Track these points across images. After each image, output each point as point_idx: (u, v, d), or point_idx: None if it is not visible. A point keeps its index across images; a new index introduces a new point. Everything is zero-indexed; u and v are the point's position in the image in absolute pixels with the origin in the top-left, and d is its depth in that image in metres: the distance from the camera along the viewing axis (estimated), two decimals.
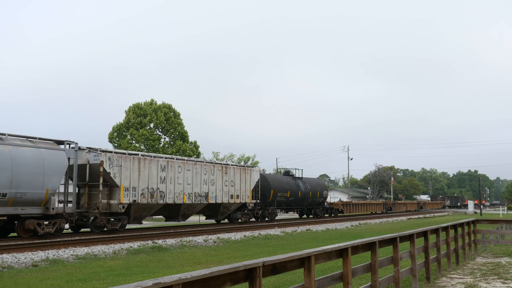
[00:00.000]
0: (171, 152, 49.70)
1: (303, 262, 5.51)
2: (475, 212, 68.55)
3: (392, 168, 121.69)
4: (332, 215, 44.04)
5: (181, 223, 29.79)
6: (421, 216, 51.89)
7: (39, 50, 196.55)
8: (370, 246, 7.53)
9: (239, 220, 30.64)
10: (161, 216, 28.35)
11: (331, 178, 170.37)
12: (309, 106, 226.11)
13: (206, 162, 27.92)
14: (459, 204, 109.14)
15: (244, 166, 31.42)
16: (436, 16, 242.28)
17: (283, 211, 42.57)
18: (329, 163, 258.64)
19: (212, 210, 28.83)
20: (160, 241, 19.00)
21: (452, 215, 60.52)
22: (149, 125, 50.88)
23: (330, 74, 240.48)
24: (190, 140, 53.21)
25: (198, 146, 54.04)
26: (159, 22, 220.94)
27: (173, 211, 25.95)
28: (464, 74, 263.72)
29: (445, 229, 12.49)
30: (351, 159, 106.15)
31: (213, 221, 33.30)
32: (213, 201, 27.51)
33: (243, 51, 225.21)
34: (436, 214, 60.17)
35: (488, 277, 10.97)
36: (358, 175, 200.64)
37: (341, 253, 6.52)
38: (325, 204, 43.29)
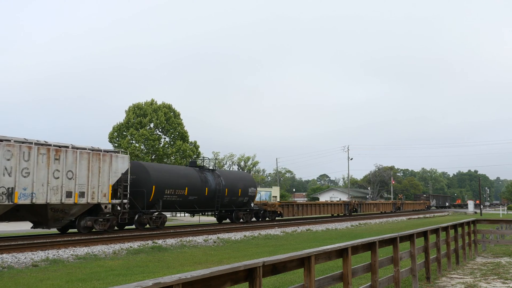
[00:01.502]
0: (171, 152, 49.70)
1: (303, 262, 5.51)
2: (475, 212, 68.60)
3: (392, 168, 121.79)
4: (267, 219, 34.33)
5: (182, 222, 28.36)
6: (421, 216, 51.91)
7: (39, 50, 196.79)
8: (370, 246, 7.53)
9: (93, 229, 21.61)
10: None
11: (331, 178, 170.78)
12: (309, 106, 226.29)
13: (14, 141, 18.37)
14: (447, 204, 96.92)
15: (98, 151, 21.65)
16: (436, 16, 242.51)
17: (191, 215, 32.33)
18: (329, 163, 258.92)
19: (34, 214, 19.89)
20: (160, 241, 19.01)
21: (452, 215, 60.56)
22: (149, 125, 50.87)
23: (330, 74, 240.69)
24: (190, 140, 53.21)
25: (198, 146, 54.04)
26: (159, 22, 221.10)
27: None
28: (464, 74, 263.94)
29: (445, 229, 12.49)
30: (351, 159, 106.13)
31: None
32: (27, 201, 18.27)
33: (243, 51, 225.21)
34: (436, 214, 60.18)
35: (488, 277, 10.97)
36: (358, 175, 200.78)
37: (341, 253, 6.52)
38: (252, 205, 32.93)
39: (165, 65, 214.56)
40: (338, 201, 50.81)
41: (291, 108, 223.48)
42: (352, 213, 47.03)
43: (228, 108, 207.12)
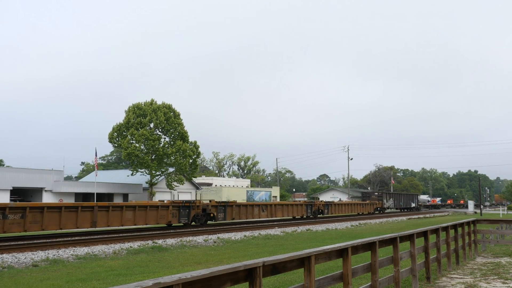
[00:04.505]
0: (171, 152, 49.70)
1: (303, 262, 5.51)
2: (475, 212, 68.66)
3: (392, 168, 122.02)
4: None
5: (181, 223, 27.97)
6: (421, 216, 51.90)
7: (56, 51, 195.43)
8: (370, 246, 7.53)
9: None
10: None
11: (331, 178, 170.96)
12: (310, 107, 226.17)
13: None
14: (414, 205, 74.63)
15: None
16: (440, 16, 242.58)
17: None
18: (329, 163, 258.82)
19: None
20: (160, 241, 19.02)
21: (452, 215, 60.59)
22: (149, 125, 50.89)
23: (331, 75, 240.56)
24: (190, 140, 53.26)
25: (198, 146, 54.05)
26: (174, 23, 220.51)
27: None
28: (465, 75, 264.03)
29: (445, 229, 12.49)
30: (351, 159, 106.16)
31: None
32: None
33: (254, 52, 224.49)
34: (436, 214, 60.20)
35: (488, 277, 10.97)
36: (358, 175, 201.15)
37: (341, 253, 6.52)
38: None
39: (179, 66, 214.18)
40: (164, 202, 26.72)
41: (292, 109, 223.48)
42: (207, 222, 29.34)
43: (236, 109, 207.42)
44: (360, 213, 52.35)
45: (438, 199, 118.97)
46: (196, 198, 35.01)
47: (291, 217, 39.32)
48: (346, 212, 48.42)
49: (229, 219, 30.59)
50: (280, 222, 33.34)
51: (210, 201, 29.82)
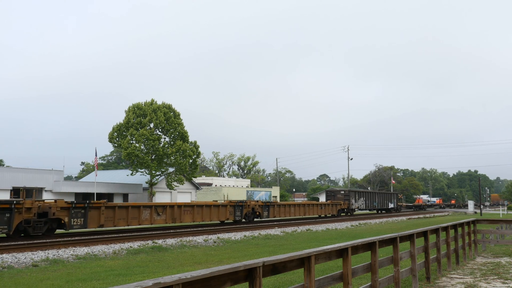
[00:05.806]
0: (171, 152, 49.69)
1: (303, 262, 5.51)
2: (475, 212, 68.67)
3: (392, 168, 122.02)
4: None
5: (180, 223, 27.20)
6: (421, 216, 51.91)
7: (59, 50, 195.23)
8: (370, 246, 7.53)
9: None
10: None
11: (331, 178, 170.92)
12: (310, 106, 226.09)
13: None
14: (392, 206, 64.43)
15: None
16: (442, 16, 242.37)
17: None
18: (329, 163, 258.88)
19: None
20: (160, 241, 19.02)
21: (452, 215, 60.59)
22: (149, 125, 50.87)
23: (331, 75, 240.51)
24: (190, 140, 53.25)
25: (198, 146, 54.05)
26: (171, 24, 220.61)
27: None
28: (466, 75, 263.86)
29: (445, 229, 12.49)
30: (351, 159, 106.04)
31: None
32: None
33: (255, 53, 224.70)
34: (436, 214, 60.18)
35: (488, 277, 10.97)
36: (358, 175, 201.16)
37: (341, 253, 6.52)
38: None
39: (179, 66, 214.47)
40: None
41: (292, 109, 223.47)
42: (55, 232, 20.68)
43: (236, 109, 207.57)
44: (323, 216, 43.95)
45: (436, 199, 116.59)
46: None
47: (218, 222, 31.55)
48: (298, 214, 39.19)
49: (93, 226, 21.52)
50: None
51: (55, 201, 20.43)
